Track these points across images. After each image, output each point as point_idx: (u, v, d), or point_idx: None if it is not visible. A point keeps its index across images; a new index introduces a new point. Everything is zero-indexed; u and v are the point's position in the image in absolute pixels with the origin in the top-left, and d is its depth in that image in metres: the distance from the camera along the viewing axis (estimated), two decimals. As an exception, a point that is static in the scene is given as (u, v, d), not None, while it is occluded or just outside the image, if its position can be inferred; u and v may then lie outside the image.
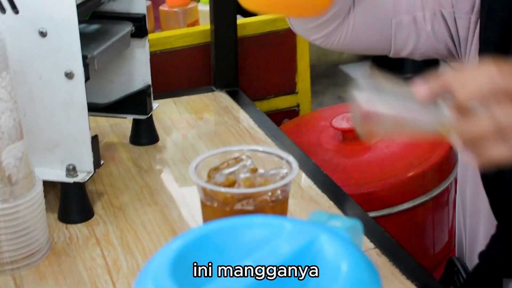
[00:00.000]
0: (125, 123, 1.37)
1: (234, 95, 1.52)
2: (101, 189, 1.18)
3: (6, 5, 1.01)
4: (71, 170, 1.07)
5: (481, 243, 1.01)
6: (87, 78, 1.05)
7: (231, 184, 0.80)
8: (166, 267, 0.46)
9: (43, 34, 1.02)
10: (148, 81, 1.27)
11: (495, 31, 0.95)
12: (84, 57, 1.04)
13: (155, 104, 1.31)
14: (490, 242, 0.96)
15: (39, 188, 0.99)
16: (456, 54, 1.04)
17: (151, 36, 1.60)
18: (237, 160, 0.82)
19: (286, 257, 0.51)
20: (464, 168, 1.06)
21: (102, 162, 1.11)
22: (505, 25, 0.93)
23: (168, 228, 1.07)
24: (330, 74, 4.05)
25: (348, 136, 1.51)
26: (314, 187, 1.16)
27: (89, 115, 1.30)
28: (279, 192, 0.78)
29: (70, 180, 1.07)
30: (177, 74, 1.62)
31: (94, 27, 1.20)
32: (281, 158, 0.83)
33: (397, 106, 0.63)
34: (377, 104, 0.60)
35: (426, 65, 3.77)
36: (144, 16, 1.23)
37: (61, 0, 1.00)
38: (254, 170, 0.82)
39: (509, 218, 0.92)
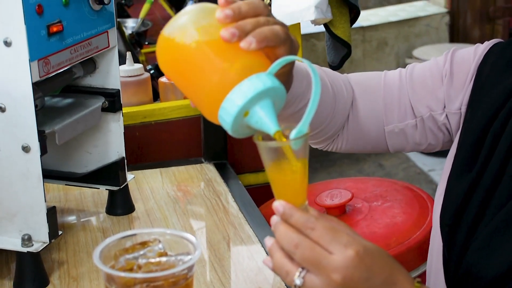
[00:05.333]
0: (106, 193, 1.40)
1: (221, 168, 1.54)
2: (63, 258, 1.20)
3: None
4: (26, 240, 1.11)
5: None
6: (43, 152, 1.09)
7: (131, 268, 0.81)
8: None
9: (2, 109, 1.06)
10: (122, 153, 1.30)
11: (478, 120, 0.99)
12: (41, 132, 1.09)
13: (130, 175, 1.34)
14: None
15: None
16: (450, 141, 1.10)
17: (147, 107, 1.65)
18: (144, 244, 0.83)
19: None
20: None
21: (60, 232, 1.14)
22: (487, 116, 0.98)
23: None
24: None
25: (332, 213, 1.50)
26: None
27: (65, 184, 1.35)
28: (172, 279, 0.79)
29: (24, 249, 1.10)
30: (171, 144, 1.65)
31: (67, 101, 1.25)
32: (188, 241, 0.83)
33: None
34: None
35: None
36: (118, 91, 1.27)
37: (19, 78, 1.05)
38: (163, 254, 0.83)
39: None
